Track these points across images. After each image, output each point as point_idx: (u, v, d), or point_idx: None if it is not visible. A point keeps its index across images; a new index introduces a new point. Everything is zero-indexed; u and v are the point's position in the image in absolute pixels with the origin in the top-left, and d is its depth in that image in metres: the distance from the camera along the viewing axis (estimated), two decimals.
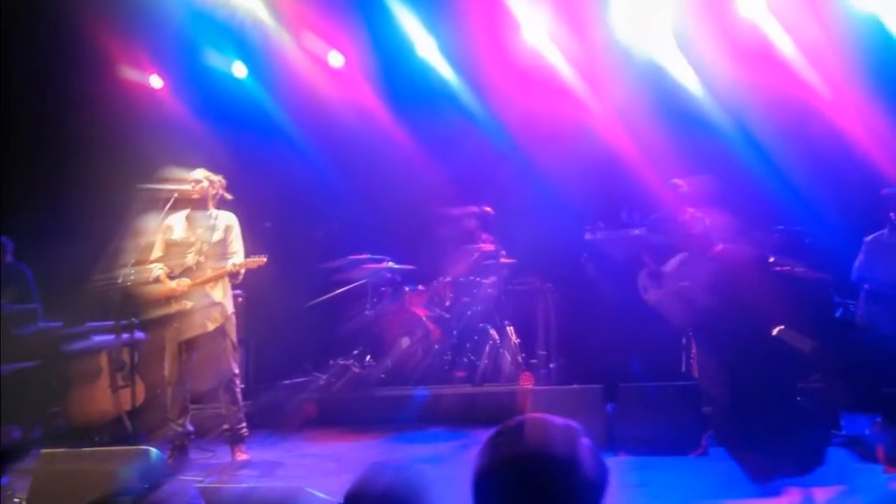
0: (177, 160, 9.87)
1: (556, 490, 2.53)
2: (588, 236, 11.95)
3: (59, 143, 13.31)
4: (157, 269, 9.52)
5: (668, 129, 11.97)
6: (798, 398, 9.18)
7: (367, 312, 12.97)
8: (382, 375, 12.37)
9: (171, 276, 9.54)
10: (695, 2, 12.46)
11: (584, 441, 2.65)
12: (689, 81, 12.58)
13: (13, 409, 10.11)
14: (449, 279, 13.05)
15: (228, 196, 9.82)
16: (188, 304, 9.48)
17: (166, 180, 9.63)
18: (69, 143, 13.16)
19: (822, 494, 7.46)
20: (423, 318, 12.58)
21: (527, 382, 11.52)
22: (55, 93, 13.21)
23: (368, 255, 13.06)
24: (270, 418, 11.48)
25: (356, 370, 12.42)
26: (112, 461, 6.57)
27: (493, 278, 12.89)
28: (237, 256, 9.64)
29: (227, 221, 9.76)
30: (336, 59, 13.96)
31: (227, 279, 9.70)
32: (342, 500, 3.13)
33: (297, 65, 13.82)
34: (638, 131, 12.34)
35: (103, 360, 11.13)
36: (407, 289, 13.02)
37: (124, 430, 10.45)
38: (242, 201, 10.07)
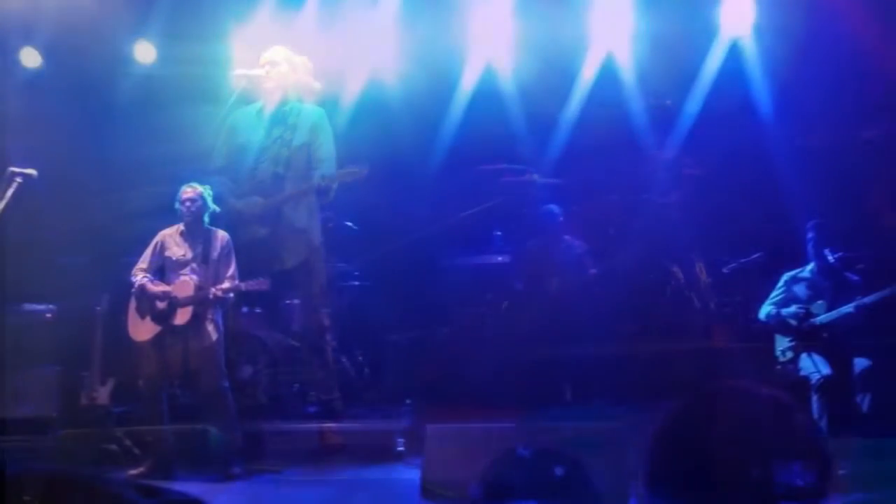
0: (242, 35, 9.89)
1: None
2: None
3: None
4: (219, 184, 9.46)
5: None
6: None
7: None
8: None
9: (237, 194, 9.52)
10: None
11: (800, 417, 2.64)
12: None
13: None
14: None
15: (316, 84, 9.77)
16: (261, 232, 9.47)
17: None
18: None
19: None
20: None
21: (721, 339, 11.44)
22: None
23: (505, 165, 13.00)
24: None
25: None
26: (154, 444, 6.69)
27: (676, 195, 12.79)
28: (327, 166, 9.53)
29: (313, 119, 9.63)
30: None
31: (312, 198, 9.64)
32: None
33: None
34: None
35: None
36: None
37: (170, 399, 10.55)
38: (335, 92, 10.05)
